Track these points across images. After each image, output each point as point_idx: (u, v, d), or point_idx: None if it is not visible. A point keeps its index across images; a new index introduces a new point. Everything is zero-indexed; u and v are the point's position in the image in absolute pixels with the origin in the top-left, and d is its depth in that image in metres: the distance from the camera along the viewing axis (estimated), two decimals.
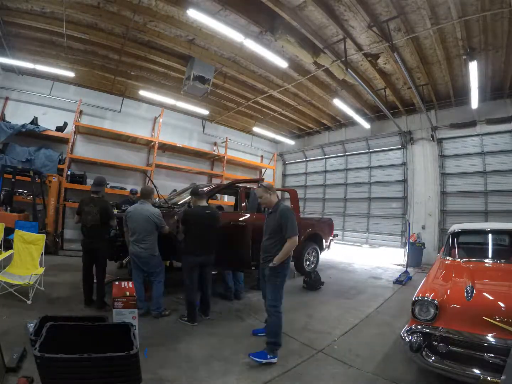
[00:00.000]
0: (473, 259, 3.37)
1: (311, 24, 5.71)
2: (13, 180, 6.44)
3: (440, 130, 8.82)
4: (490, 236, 3.80)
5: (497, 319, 2.14)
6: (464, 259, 3.40)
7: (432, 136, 8.86)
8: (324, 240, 6.76)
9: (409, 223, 8.02)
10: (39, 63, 7.32)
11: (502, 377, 1.69)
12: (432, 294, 2.51)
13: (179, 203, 5.01)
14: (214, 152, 11.60)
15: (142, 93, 8.91)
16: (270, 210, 3.05)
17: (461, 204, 8.33)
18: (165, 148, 10.39)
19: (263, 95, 8.91)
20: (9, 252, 4.14)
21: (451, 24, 5.26)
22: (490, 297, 2.46)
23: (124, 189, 8.87)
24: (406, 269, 6.91)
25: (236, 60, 7.41)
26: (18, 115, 7.89)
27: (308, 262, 6.22)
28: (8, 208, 6.27)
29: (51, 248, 6.33)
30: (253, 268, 5.14)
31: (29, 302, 3.53)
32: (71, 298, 3.87)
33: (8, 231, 4.83)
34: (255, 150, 13.45)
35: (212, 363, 2.61)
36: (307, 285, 5.27)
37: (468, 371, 2.07)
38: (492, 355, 2.04)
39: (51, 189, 6.96)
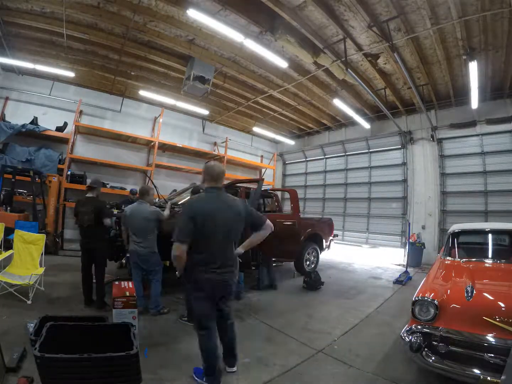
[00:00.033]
0: (473, 259, 3.37)
1: (311, 24, 5.71)
2: (13, 180, 6.45)
3: (440, 130, 8.82)
4: (490, 236, 3.80)
5: (497, 319, 2.14)
6: (464, 259, 3.39)
7: (432, 136, 8.86)
8: (324, 240, 6.77)
9: (409, 223, 8.02)
10: (39, 63, 7.32)
11: (502, 377, 1.69)
12: (432, 294, 2.51)
13: (179, 203, 5.01)
14: (214, 152, 11.61)
15: (142, 93, 8.91)
16: None
17: (461, 204, 8.34)
18: (165, 148, 10.39)
19: (263, 95, 8.91)
20: (9, 252, 4.14)
21: (451, 24, 5.27)
22: (490, 297, 2.46)
23: (124, 189, 8.87)
24: (406, 269, 6.91)
25: (236, 60, 7.41)
26: (18, 115, 7.90)
27: (308, 262, 6.22)
28: (8, 208, 6.28)
29: (51, 248, 6.34)
30: (253, 268, 5.16)
31: (29, 302, 3.52)
32: (71, 298, 3.86)
33: (8, 231, 4.84)
34: (255, 150, 13.46)
35: None
36: (307, 285, 5.27)
37: (468, 371, 2.07)
38: (492, 355, 2.04)
39: (51, 189, 6.97)
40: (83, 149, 9.00)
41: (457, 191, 8.44)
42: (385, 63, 7.14)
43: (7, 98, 7.97)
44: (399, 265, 8.13)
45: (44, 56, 7.46)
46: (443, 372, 2.18)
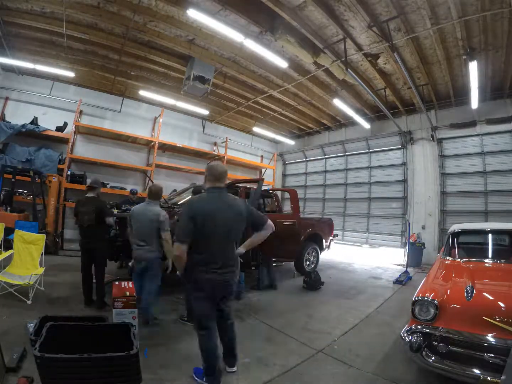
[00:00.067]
0: (473, 259, 3.37)
1: (311, 24, 5.71)
2: (13, 180, 6.45)
3: (440, 130, 8.82)
4: (490, 236, 3.80)
5: (497, 319, 2.14)
6: (464, 259, 3.39)
7: (432, 136, 8.86)
8: (324, 240, 6.78)
9: (409, 223, 8.02)
10: (39, 63, 7.32)
11: (502, 377, 1.69)
12: (432, 294, 2.51)
13: (179, 203, 5.02)
14: (214, 152, 11.61)
15: (142, 93, 8.91)
16: None
17: (461, 204, 8.34)
18: (165, 148, 10.39)
19: (263, 95, 8.91)
20: (9, 252, 4.14)
21: (451, 24, 5.27)
22: (490, 297, 2.46)
23: (124, 189, 8.87)
24: (406, 269, 6.91)
25: (236, 60, 7.41)
26: (18, 115, 7.90)
27: (308, 262, 6.22)
28: (8, 208, 6.28)
29: (51, 248, 6.34)
30: (253, 268, 5.16)
31: (29, 302, 3.52)
32: (71, 298, 3.86)
33: (8, 231, 4.84)
34: (255, 150, 13.46)
35: None
36: (307, 285, 5.27)
37: (468, 371, 2.07)
38: (492, 355, 2.04)
39: (51, 189, 6.97)
40: (83, 149, 9.00)
41: (457, 191, 8.44)
42: (385, 63, 7.14)
43: (7, 98, 7.97)
44: (399, 265, 8.13)
45: (44, 56, 7.46)
46: (443, 372, 2.18)
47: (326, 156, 12.18)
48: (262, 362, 2.68)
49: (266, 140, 13.78)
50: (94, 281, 3.74)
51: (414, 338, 2.34)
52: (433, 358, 2.23)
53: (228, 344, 2.43)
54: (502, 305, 2.27)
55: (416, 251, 7.93)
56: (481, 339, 2.11)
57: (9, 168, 6.62)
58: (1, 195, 6.32)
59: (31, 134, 7.76)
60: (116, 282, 3.06)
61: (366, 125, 9.73)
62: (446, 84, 7.74)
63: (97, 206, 3.69)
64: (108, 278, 4.30)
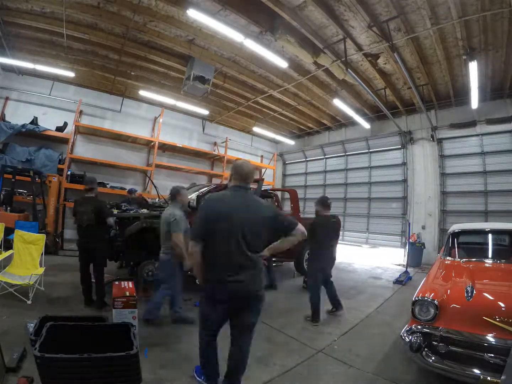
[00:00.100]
0: (473, 259, 3.37)
1: (311, 24, 5.71)
2: (13, 180, 6.44)
3: (440, 130, 8.82)
4: (490, 236, 3.80)
5: (497, 319, 2.14)
6: (464, 259, 3.40)
7: (432, 136, 8.86)
8: None
9: (409, 223, 8.03)
10: (39, 63, 7.32)
11: (502, 377, 1.69)
12: (432, 294, 2.51)
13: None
14: (214, 152, 11.60)
15: (142, 93, 8.91)
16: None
17: (461, 204, 8.34)
18: (165, 148, 10.39)
19: (263, 95, 8.91)
20: (9, 252, 4.14)
21: (451, 24, 5.27)
22: (490, 297, 2.46)
23: (124, 189, 8.85)
24: (406, 269, 6.91)
25: (236, 60, 7.41)
26: (18, 115, 7.89)
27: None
28: (8, 208, 6.27)
29: (51, 248, 6.33)
30: None
31: (29, 302, 3.52)
32: (71, 298, 3.87)
33: (8, 231, 4.84)
34: (255, 150, 13.45)
35: None
36: (307, 285, 5.26)
37: (468, 371, 2.07)
38: (492, 355, 2.04)
39: (51, 189, 6.96)
40: (83, 149, 8.99)
41: (457, 191, 8.44)
42: (385, 63, 7.14)
43: (7, 98, 7.96)
44: (399, 265, 8.13)
45: (44, 56, 7.46)
46: (443, 372, 2.19)
47: (326, 156, 12.18)
48: (262, 362, 2.68)
49: (266, 140, 13.77)
50: (93, 280, 3.74)
51: (414, 338, 2.34)
52: (433, 358, 2.23)
53: (231, 367, 2.14)
54: (502, 305, 2.27)
55: (416, 251, 7.93)
56: (481, 339, 2.12)
57: (9, 168, 6.62)
58: (1, 195, 6.32)
59: (31, 134, 7.76)
60: (116, 282, 3.06)
61: (366, 125, 9.73)
62: (446, 84, 7.74)
63: (96, 206, 3.67)
64: (108, 278, 4.30)
